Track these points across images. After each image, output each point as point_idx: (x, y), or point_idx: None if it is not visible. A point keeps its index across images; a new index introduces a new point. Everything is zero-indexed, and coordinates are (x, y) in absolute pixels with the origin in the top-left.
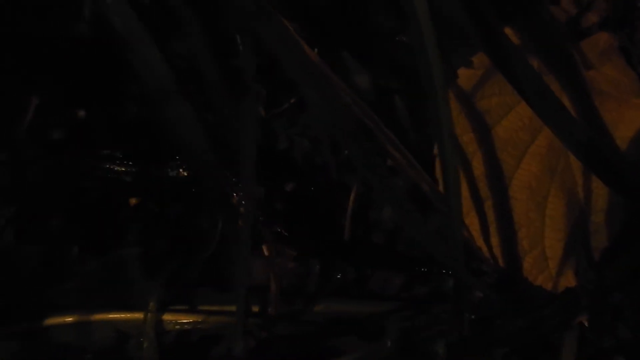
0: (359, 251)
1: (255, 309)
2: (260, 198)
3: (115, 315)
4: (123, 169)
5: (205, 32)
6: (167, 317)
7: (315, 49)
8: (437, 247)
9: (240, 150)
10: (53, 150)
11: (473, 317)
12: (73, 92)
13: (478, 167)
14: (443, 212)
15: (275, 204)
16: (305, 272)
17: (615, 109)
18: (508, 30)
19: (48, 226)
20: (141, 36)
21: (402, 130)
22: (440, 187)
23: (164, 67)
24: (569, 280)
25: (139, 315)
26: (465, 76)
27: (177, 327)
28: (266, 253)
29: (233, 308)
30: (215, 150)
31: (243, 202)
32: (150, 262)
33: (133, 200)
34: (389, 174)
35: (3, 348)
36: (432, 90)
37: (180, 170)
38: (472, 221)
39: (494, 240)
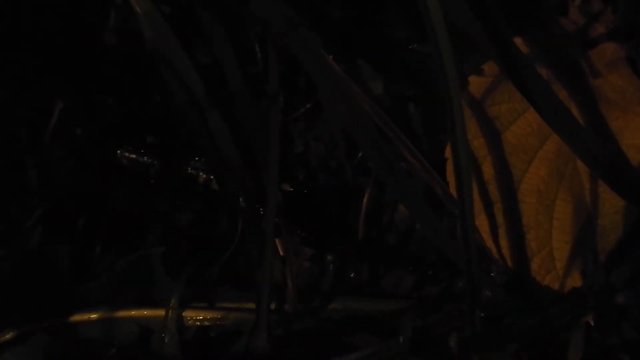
0: (372, 252)
1: (272, 306)
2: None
3: (139, 312)
4: (146, 171)
5: (230, 42)
6: (188, 313)
7: (331, 56)
8: (449, 247)
9: (265, 153)
10: (78, 152)
11: (483, 315)
12: (97, 98)
13: (488, 171)
14: (454, 214)
15: (291, 205)
16: (320, 272)
17: (621, 117)
18: (518, 40)
19: (74, 226)
20: (173, 46)
21: (415, 136)
22: (452, 190)
23: (195, 76)
24: (575, 280)
25: (161, 312)
26: (476, 83)
27: (198, 323)
28: (282, 253)
29: (251, 305)
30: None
31: (265, 203)
32: (173, 262)
33: (157, 201)
34: (404, 175)
35: (32, 343)
36: (448, 97)
37: (201, 172)
38: (482, 223)
39: (503, 242)
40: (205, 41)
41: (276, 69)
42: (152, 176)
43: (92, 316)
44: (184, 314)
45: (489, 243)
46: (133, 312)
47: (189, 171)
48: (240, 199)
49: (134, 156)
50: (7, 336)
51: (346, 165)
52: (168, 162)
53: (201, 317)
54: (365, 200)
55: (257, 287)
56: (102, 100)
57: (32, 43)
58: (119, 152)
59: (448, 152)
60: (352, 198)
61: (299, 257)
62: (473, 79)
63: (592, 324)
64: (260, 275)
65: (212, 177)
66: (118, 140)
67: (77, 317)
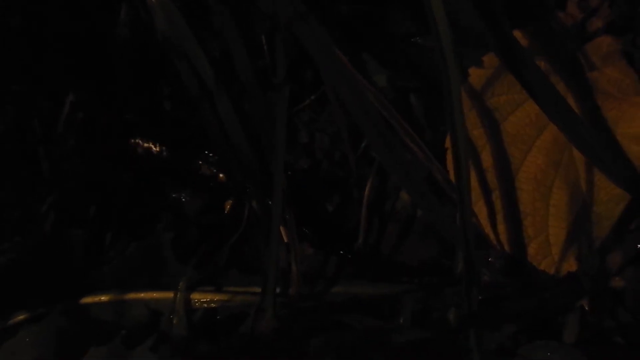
0: (374, 239)
1: (277, 290)
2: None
3: (149, 295)
4: (157, 160)
5: (240, 34)
6: (196, 296)
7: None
8: (449, 230)
9: (272, 141)
10: (90, 141)
11: (481, 297)
12: (108, 89)
13: (487, 159)
14: (454, 201)
15: (295, 194)
16: (323, 258)
17: (616, 107)
18: (517, 34)
19: (87, 212)
20: (185, 36)
21: (417, 127)
22: (452, 177)
23: (206, 65)
24: (571, 265)
25: (170, 295)
26: (476, 75)
27: (205, 305)
28: (286, 239)
29: (257, 289)
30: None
31: (271, 190)
32: (182, 247)
33: (167, 189)
34: (408, 163)
35: (45, 324)
36: (447, 88)
37: (208, 166)
38: (480, 210)
39: (501, 228)
40: (213, 34)
41: (284, 57)
42: (162, 164)
43: (103, 298)
44: (192, 296)
45: (487, 229)
46: (143, 295)
47: (199, 163)
48: (248, 186)
49: (146, 145)
50: (22, 317)
51: (350, 156)
52: (177, 153)
53: (208, 300)
54: (367, 189)
55: (264, 270)
56: (113, 92)
57: (45, 37)
58: (132, 141)
59: (448, 142)
60: (355, 188)
61: (302, 244)
62: (473, 71)
63: (587, 307)
64: (266, 259)
65: (216, 170)
66: (129, 131)
67: (88, 300)
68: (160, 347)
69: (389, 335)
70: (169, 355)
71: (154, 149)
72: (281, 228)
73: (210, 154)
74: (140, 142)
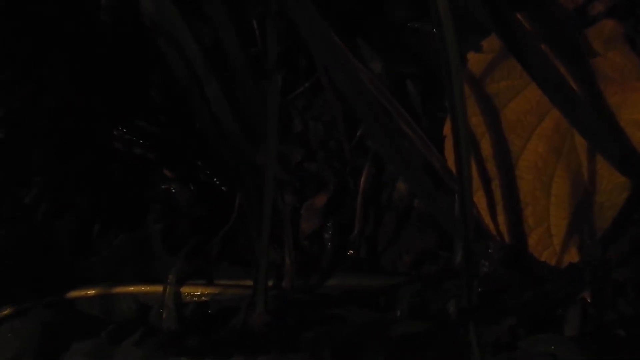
0: (371, 230)
1: (270, 283)
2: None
3: (137, 288)
4: (147, 150)
5: (231, 20)
6: (186, 289)
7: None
8: (448, 219)
9: (263, 126)
10: (76, 132)
11: (481, 289)
12: (92, 79)
13: (486, 147)
14: (452, 190)
15: (291, 184)
16: (319, 250)
17: (619, 93)
18: (518, 17)
19: (77, 204)
20: (172, 18)
21: (414, 114)
22: (450, 165)
23: (195, 47)
24: (572, 256)
25: (159, 288)
26: (475, 60)
27: (196, 299)
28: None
29: (249, 282)
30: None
31: (264, 176)
32: (172, 238)
33: (156, 180)
34: (405, 150)
35: (30, 318)
36: (448, 73)
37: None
38: (480, 200)
39: (501, 218)
40: (202, 20)
41: (275, 42)
42: (153, 155)
43: (91, 292)
44: (182, 290)
45: (487, 219)
46: (132, 288)
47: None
48: (239, 176)
49: (129, 137)
50: (6, 312)
51: (345, 144)
52: (168, 141)
53: (199, 293)
54: (363, 179)
55: (255, 263)
56: (97, 81)
57: (25, 24)
58: (117, 131)
59: (447, 130)
60: (351, 177)
61: (298, 235)
62: (472, 56)
63: (589, 299)
64: (257, 252)
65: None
66: (115, 121)
67: (76, 293)
68: (146, 342)
69: (385, 327)
70: (154, 350)
71: (140, 140)
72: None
73: (200, 144)
74: (125, 132)
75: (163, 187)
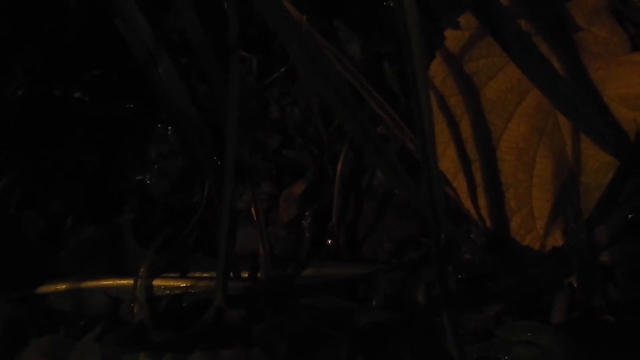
0: (350, 218)
1: (245, 274)
2: (251, 165)
3: (109, 282)
4: (118, 142)
5: (195, 6)
6: (158, 283)
7: (305, 16)
8: (425, 207)
9: (226, 109)
10: (49, 121)
11: (460, 276)
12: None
13: (466, 129)
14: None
15: (268, 172)
16: (296, 240)
17: (603, 67)
18: None
19: (47, 196)
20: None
21: (392, 95)
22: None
23: (147, 27)
24: (557, 240)
25: (130, 282)
26: (452, 38)
27: (168, 292)
28: (255, 218)
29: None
30: (203, 116)
31: (224, 162)
32: (143, 230)
33: (128, 172)
34: (380, 138)
35: (0, 313)
36: (406, 36)
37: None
38: (460, 184)
39: (482, 202)
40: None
41: (235, 17)
42: (123, 146)
43: (61, 287)
44: (155, 283)
45: (467, 203)
46: (103, 282)
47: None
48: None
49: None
50: None
51: (322, 130)
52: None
53: (172, 286)
54: (339, 165)
55: (218, 248)
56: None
57: None
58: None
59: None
60: (330, 164)
61: (274, 225)
62: (449, 33)
63: (575, 284)
64: (218, 239)
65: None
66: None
67: (45, 288)
68: (106, 338)
69: (354, 317)
70: (113, 346)
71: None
72: (251, 209)
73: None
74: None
75: (138, 178)
